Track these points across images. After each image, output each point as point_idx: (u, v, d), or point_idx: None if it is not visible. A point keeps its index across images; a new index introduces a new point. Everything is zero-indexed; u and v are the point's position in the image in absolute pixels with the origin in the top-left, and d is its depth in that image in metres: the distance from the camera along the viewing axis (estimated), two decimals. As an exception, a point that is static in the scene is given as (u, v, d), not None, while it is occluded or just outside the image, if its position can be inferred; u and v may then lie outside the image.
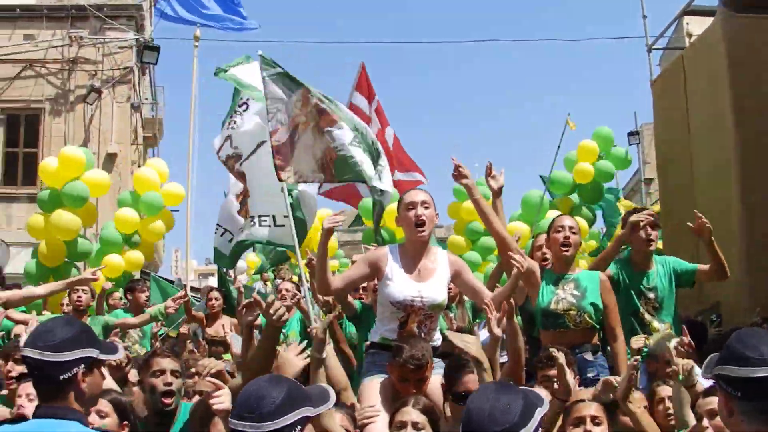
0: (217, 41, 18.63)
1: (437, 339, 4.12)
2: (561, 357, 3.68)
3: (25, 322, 5.99)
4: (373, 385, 3.88)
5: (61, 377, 2.46)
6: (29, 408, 3.43)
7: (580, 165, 12.77)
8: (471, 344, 3.53)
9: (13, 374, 3.81)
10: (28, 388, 3.61)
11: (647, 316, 5.00)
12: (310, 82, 6.34)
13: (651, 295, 5.02)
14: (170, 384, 3.82)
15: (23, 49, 18.18)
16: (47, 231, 10.36)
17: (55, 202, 10.35)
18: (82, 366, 2.50)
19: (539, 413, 2.10)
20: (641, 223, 5.01)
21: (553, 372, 3.73)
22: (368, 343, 4.24)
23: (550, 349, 3.92)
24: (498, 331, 3.73)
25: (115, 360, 2.60)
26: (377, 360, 3.97)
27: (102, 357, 2.59)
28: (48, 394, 2.51)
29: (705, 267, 5.17)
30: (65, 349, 2.46)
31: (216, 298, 8.08)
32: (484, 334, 6.29)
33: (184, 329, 8.35)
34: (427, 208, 4.06)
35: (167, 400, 3.79)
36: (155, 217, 11.12)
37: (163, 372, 3.83)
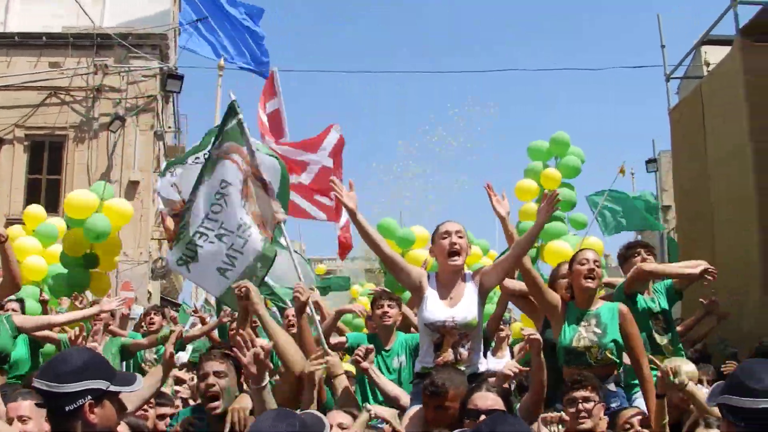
0: (241, 71, 18.60)
1: (480, 363, 4.27)
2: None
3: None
4: (409, 413, 4.03)
5: (67, 408, 2.45)
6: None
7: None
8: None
9: None
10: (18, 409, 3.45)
11: (657, 337, 5.32)
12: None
13: (660, 317, 5.38)
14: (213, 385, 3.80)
15: (48, 77, 18.55)
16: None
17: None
18: (89, 397, 2.47)
19: None
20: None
21: (578, 394, 3.94)
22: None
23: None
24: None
25: (131, 391, 2.62)
26: (419, 390, 4.01)
27: (113, 389, 2.54)
28: (57, 426, 2.51)
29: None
30: (70, 380, 2.46)
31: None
32: (492, 361, 6.69)
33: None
34: (461, 237, 4.28)
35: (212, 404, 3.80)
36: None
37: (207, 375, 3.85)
